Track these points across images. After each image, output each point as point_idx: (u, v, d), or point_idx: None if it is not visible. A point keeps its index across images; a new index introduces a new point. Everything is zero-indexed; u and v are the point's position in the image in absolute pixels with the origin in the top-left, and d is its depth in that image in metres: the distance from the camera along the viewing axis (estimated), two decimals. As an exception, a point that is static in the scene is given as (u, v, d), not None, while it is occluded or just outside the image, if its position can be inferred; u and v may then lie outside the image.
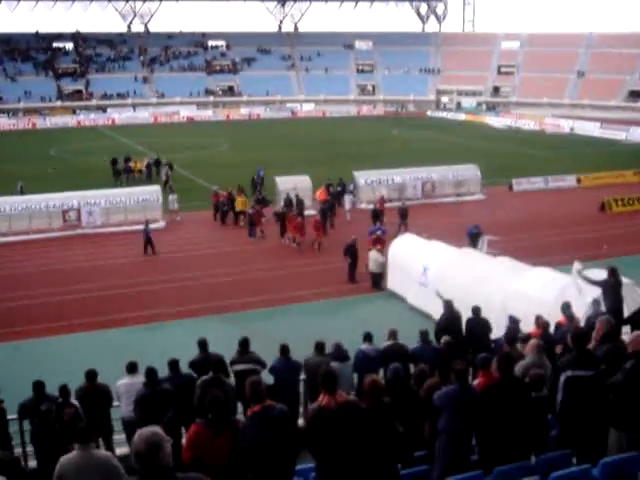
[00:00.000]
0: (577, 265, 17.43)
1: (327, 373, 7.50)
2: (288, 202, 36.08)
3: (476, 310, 15.39)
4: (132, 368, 12.22)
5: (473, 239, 28.31)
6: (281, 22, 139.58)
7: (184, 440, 7.57)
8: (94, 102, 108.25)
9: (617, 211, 38.96)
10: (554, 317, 14.46)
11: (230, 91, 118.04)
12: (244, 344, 12.63)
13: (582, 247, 28.78)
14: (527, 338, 12.25)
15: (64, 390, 11.23)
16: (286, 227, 32.74)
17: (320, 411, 7.22)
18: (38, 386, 11.22)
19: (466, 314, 15.60)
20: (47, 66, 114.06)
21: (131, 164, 49.58)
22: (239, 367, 12.38)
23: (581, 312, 15.00)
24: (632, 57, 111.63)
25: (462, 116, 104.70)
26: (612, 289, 16.12)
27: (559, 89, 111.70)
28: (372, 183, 41.46)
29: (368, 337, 13.75)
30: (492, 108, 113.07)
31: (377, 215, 33.86)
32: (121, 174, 47.96)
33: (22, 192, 40.11)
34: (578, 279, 17.03)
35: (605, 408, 8.59)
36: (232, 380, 11.96)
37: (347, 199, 37.96)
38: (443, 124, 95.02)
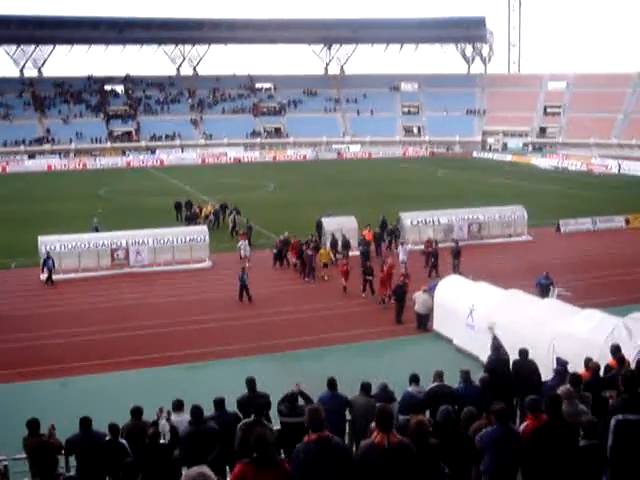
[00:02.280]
0: None
1: (384, 411, 7.48)
2: (334, 243, 36.17)
3: (523, 352, 15.19)
4: (178, 406, 12.27)
5: (543, 290, 26.45)
6: (327, 64, 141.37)
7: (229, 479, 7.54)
8: (143, 143, 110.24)
9: (667, 253, 38.30)
10: (603, 360, 14.24)
11: (277, 132, 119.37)
12: (292, 398, 12.12)
13: (631, 289, 28.33)
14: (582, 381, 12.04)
15: (113, 428, 11.28)
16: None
17: (373, 448, 7.18)
18: (85, 422, 11.28)
19: (513, 356, 15.42)
20: (98, 108, 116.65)
21: (196, 209, 48.04)
22: (287, 420, 12.05)
23: (631, 355, 14.74)
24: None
25: (508, 157, 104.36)
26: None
27: (606, 129, 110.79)
28: (418, 224, 41.34)
29: (415, 379, 13.61)
30: (538, 149, 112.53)
31: (429, 258, 34.60)
32: (190, 221, 46.08)
33: (97, 230, 40.94)
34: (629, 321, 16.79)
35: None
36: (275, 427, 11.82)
37: (401, 250, 35.25)
38: (489, 165, 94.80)
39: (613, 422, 8.66)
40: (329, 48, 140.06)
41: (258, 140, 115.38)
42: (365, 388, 12.70)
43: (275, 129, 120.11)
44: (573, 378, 11.71)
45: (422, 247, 36.24)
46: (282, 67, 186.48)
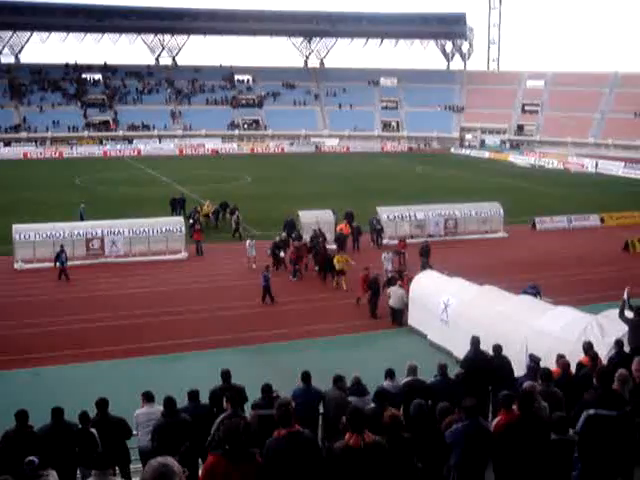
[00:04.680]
0: (627, 292, 17.41)
1: (356, 412, 7.44)
2: (315, 236, 35.96)
3: (497, 348, 15.28)
4: (149, 397, 12.21)
5: None
6: (307, 58, 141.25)
7: (201, 471, 7.48)
8: (120, 133, 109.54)
9: (641, 251, 38.68)
10: (576, 357, 14.36)
11: (255, 125, 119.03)
12: (267, 390, 12.10)
13: (604, 287, 28.54)
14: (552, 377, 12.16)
15: (84, 417, 11.22)
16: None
17: (348, 450, 7.15)
18: (57, 412, 11.21)
19: (487, 351, 15.51)
20: (76, 97, 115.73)
21: (197, 208, 45.50)
22: (262, 412, 12.00)
23: (603, 352, 14.87)
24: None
25: (486, 154, 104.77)
26: (638, 329, 16.05)
27: (583, 128, 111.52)
28: (395, 219, 41.45)
29: (390, 374, 13.63)
30: (516, 146, 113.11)
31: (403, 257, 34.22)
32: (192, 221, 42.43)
33: (82, 216, 40.43)
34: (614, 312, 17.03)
35: (631, 447, 8.48)
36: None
37: (386, 258, 31.96)
38: (466, 161, 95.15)
39: (584, 416, 8.75)
40: (309, 41, 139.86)
41: (236, 132, 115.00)
42: (338, 381, 12.70)
43: (254, 121, 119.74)
44: (544, 374, 11.82)
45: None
46: (262, 59, 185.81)
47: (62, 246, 33.02)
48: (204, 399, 12.37)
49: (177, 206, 46.52)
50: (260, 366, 20.95)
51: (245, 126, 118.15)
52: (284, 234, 36.18)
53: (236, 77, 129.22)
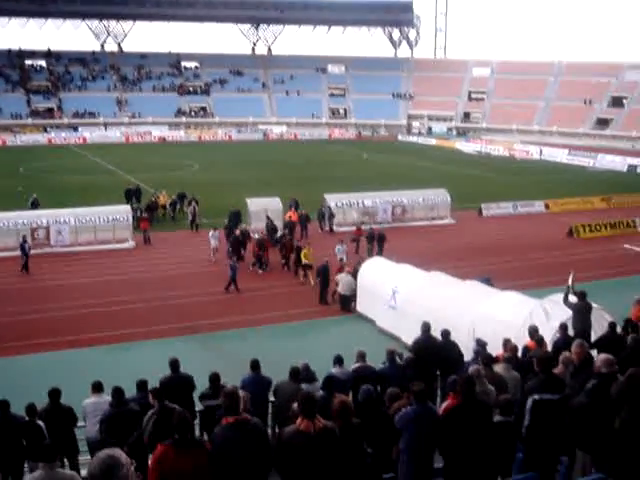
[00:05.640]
0: (571, 277, 17.71)
1: (307, 397, 7.46)
2: (273, 227, 35.64)
3: (445, 333, 15.45)
4: (98, 387, 12.10)
5: None
6: (254, 45, 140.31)
7: (150, 462, 7.43)
8: (65, 120, 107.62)
9: (585, 237, 39.41)
10: (522, 341, 14.61)
11: (202, 112, 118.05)
12: (215, 379, 12.30)
13: (549, 272, 29.04)
14: (495, 361, 12.40)
15: (31, 409, 11.08)
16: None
17: (299, 435, 7.17)
18: (2, 406, 11.04)
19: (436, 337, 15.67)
20: (19, 83, 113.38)
21: (153, 198, 44.34)
22: (210, 403, 12.06)
23: (548, 336, 15.14)
24: (600, 85, 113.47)
25: (433, 141, 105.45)
26: (581, 313, 16.39)
27: (528, 116, 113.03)
28: (343, 206, 41.57)
29: (339, 360, 13.69)
30: (462, 133, 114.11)
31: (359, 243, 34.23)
32: (151, 211, 41.90)
33: (34, 205, 39.85)
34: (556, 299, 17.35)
35: (571, 430, 8.68)
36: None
37: (340, 249, 31.40)
38: (414, 149, 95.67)
39: (530, 402, 8.92)
40: (256, 28, 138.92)
41: (183, 119, 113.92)
42: (294, 374, 12.56)
43: (201, 108, 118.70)
44: (484, 358, 12.05)
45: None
46: (209, 46, 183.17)
47: (24, 236, 32.43)
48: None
49: (132, 197, 45.59)
50: (210, 355, 20.94)
51: (192, 113, 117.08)
52: (244, 225, 35.83)
53: (183, 64, 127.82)
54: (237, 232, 33.85)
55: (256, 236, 33.88)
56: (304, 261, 29.97)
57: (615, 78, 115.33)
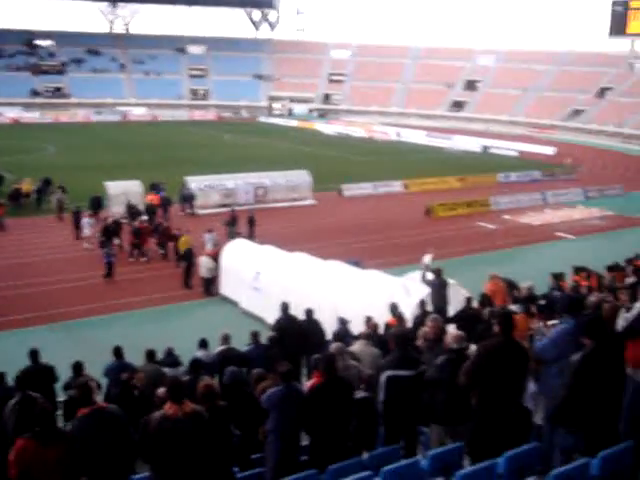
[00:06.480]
0: (428, 257, 18.24)
1: (175, 382, 7.42)
2: (135, 211, 34.25)
3: (308, 312, 15.64)
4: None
5: None
6: (112, 23, 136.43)
7: (10, 456, 7.18)
8: None
9: (442, 215, 40.68)
10: (384, 318, 14.96)
11: (58, 92, 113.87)
12: (78, 368, 12.17)
13: (409, 250, 29.81)
14: (357, 338, 12.66)
15: None
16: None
17: (166, 420, 7.09)
18: None
19: (299, 317, 15.84)
20: None
21: (16, 186, 41.36)
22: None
23: (409, 312, 15.58)
24: (455, 69, 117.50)
25: (294, 122, 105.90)
26: (438, 289, 17.00)
27: (387, 98, 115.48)
28: (204, 188, 41.17)
29: (203, 344, 13.68)
30: (323, 115, 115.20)
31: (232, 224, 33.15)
32: (13, 199, 39.71)
33: None
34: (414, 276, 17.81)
35: (424, 404, 9.01)
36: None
37: (208, 238, 29.69)
38: (275, 130, 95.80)
39: (384, 378, 9.16)
40: (114, 6, 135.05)
41: (38, 100, 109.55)
42: (150, 355, 12.60)
43: (56, 88, 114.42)
44: (335, 335, 12.30)
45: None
46: (64, 24, 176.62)
47: None
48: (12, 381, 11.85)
49: None
50: (71, 343, 20.37)
51: (48, 94, 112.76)
52: (116, 214, 34.36)
53: (37, 42, 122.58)
54: (109, 220, 31.62)
55: (136, 224, 31.72)
56: (182, 250, 28.22)
57: (468, 62, 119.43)
